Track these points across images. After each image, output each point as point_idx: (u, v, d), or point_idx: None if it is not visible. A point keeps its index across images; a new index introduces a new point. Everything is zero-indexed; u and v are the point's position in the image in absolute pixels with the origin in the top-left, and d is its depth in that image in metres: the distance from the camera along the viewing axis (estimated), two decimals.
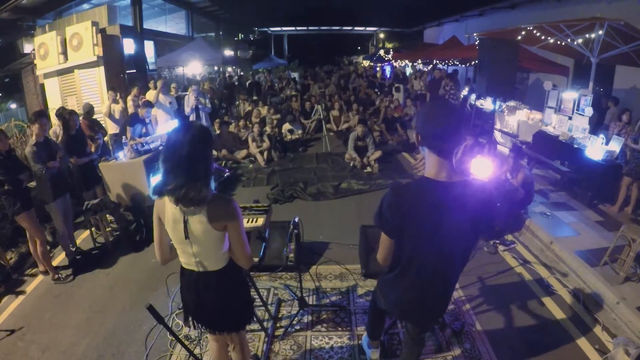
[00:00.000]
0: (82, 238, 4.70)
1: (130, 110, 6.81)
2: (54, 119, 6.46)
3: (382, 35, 30.02)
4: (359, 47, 34.08)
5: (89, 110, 6.18)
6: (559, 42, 6.79)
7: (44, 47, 8.07)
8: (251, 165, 7.33)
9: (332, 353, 2.77)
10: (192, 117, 8.36)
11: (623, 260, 3.42)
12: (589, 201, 5.05)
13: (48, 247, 3.99)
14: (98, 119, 6.53)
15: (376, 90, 13.50)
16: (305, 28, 29.87)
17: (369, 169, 6.82)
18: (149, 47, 12.01)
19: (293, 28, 29.83)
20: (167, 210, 1.70)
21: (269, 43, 29.42)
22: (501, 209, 4.38)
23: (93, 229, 4.48)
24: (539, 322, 3.10)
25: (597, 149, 5.19)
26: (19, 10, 9.14)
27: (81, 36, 7.79)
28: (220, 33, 19.55)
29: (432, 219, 1.55)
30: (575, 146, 5.60)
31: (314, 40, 32.06)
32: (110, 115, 6.64)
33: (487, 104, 8.60)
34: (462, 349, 2.78)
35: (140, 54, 10.08)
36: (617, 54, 6.01)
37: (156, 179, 1.68)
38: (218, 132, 7.90)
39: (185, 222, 1.68)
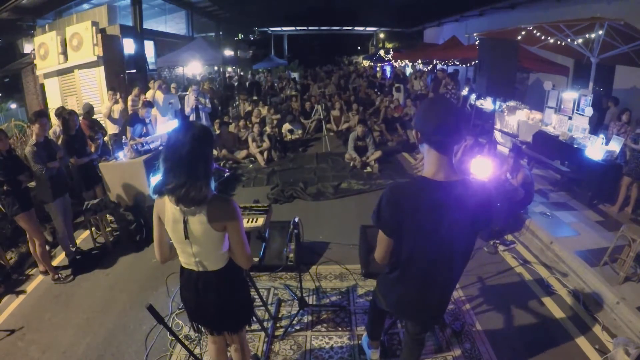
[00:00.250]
0: (82, 238, 4.70)
1: (131, 110, 6.82)
2: (54, 119, 6.46)
3: (382, 35, 30.01)
4: (359, 47, 34.08)
5: (89, 110, 6.19)
6: (559, 42, 6.79)
7: (44, 47, 8.07)
8: (251, 165, 7.33)
9: (332, 353, 2.77)
10: (192, 117, 8.36)
11: (623, 260, 3.42)
12: (589, 201, 5.05)
13: (48, 247, 3.99)
14: (98, 119, 6.53)
15: (376, 90, 13.50)
16: (305, 28, 29.86)
17: (369, 169, 6.82)
18: (149, 47, 12.00)
19: (293, 28, 29.82)
20: (167, 210, 1.70)
21: (269, 43, 29.41)
22: (501, 209, 4.38)
23: (93, 229, 4.48)
24: (539, 322, 3.10)
25: (597, 149, 5.19)
26: (19, 10, 9.14)
27: (81, 36, 7.79)
28: (220, 33, 19.54)
29: (431, 219, 1.54)
30: (575, 146, 5.60)
31: (314, 40, 32.05)
32: (110, 116, 6.64)
33: (487, 104, 8.60)
34: (462, 349, 2.78)
35: (140, 54, 10.08)
36: (617, 54, 6.01)
37: (156, 178, 1.68)
38: (218, 132, 7.90)
39: (185, 222, 1.68)
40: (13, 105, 11.81)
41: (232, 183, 6.42)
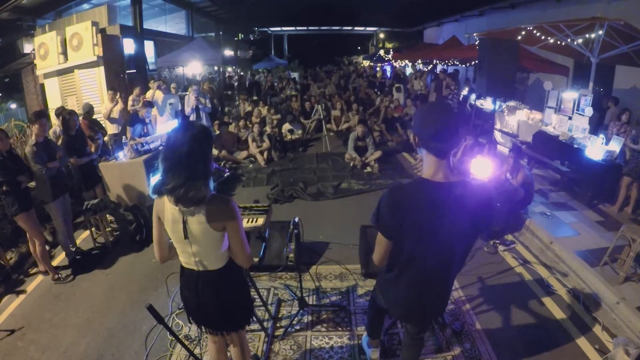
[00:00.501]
0: (82, 238, 4.70)
1: (132, 110, 6.81)
2: (54, 119, 6.46)
3: (382, 35, 30.01)
4: (359, 47, 34.09)
5: (89, 110, 6.19)
6: (559, 42, 6.79)
7: (44, 47, 8.07)
8: (251, 165, 7.33)
9: (332, 353, 2.77)
10: (192, 117, 8.36)
11: (623, 260, 3.42)
12: (589, 201, 5.05)
13: (48, 247, 3.99)
14: (98, 119, 6.53)
15: (376, 90, 13.50)
16: (305, 28, 29.87)
17: (369, 169, 6.82)
18: (149, 47, 12.00)
19: (293, 28, 29.83)
20: (167, 210, 1.70)
21: (269, 43, 29.43)
22: (501, 209, 4.38)
23: (93, 229, 4.48)
24: (539, 322, 3.10)
25: (597, 149, 5.19)
26: (19, 10, 9.14)
27: (81, 36, 7.79)
28: (220, 33, 19.54)
29: (431, 220, 1.54)
30: (575, 146, 5.60)
31: (314, 40, 32.05)
32: (110, 117, 6.64)
33: (487, 104, 8.60)
34: (462, 349, 2.78)
35: (140, 54, 10.07)
36: (617, 54, 6.01)
37: (156, 178, 1.68)
38: (217, 132, 7.90)
39: (185, 222, 1.68)
40: (13, 105, 11.81)
41: (232, 183, 6.43)
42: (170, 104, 7.57)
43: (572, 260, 3.75)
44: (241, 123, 8.54)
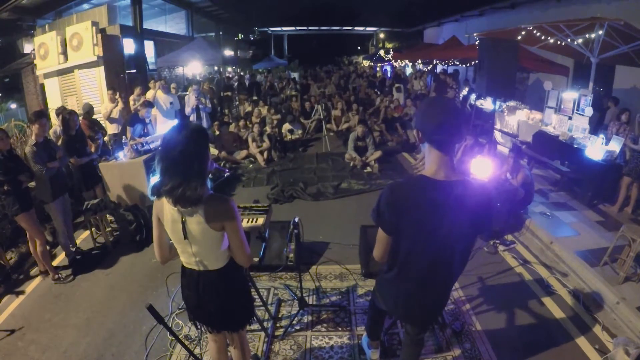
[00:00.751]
0: (82, 238, 4.70)
1: (133, 109, 6.81)
2: (54, 119, 6.46)
3: (382, 35, 30.03)
4: (359, 47, 34.11)
5: (89, 110, 6.19)
6: (559, 42, 6.79)
7: (44, 47, 8.07)
8: (251, 166, 7.33)
9: (332, 353, 2.77)
10: (192, 117, 8.36)
11: (623, 260, 3.42)
12: (589, 201, 5.05)
13: (48, 247, 3.98)
14: (98, 119, 6.53)
15: (376, 90, 13.51)
16: (305, 28, 29.89)
17: (369, 169, 6.82)
18: (149, 47, 12.00)
19: (293, 28, 29.85)
20: (166, 211, 1.71)
21: (269, 43, 29.44)
22: (501, 209, 4.38)
23: (93, 229, 4.48)
24: (539, 322, 3.10)
25: (597, 149, 5.19)
26: (19, 10, 9.15)
27: (81, 36, 7.79)
28: (220, 33, 19.55)
29: (431, 218, 1.54)
30: (575, 146, 5.60)
31: (314, 40, 32.07)
32: (109, 117, 6.64)
33: (487, 104, 8.60)
34: (462, 349, 2.78)
35: (140, 54, 10.07)
36: (617, 54, 6.01)
37: (155, 179, 1.68)
38: (217, 133, 7.90)
39: (184, 223, 1.68)
40: (13, 105, 11.81)
41: (232, 183, 6.43)
42: (170, 103, 7.58)
43: (572, 260, 3.75)
44: (241, 123, 8.54)
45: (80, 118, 5.47)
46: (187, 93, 8.83)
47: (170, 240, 1.82)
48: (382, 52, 24.45)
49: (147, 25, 11.06)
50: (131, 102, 7.22)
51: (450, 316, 3.11)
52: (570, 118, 6.33)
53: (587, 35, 6.13)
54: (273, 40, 29.98)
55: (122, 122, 6.72)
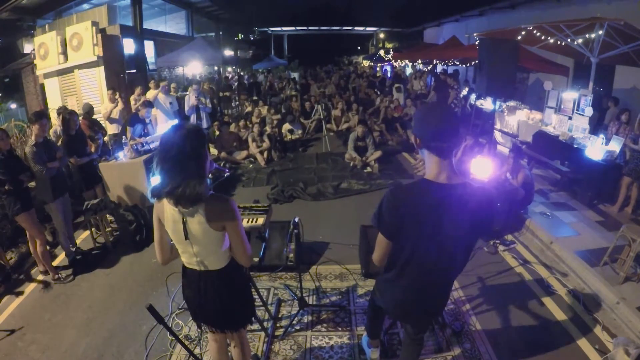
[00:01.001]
0: (82, 238, 4.70)
1: (134, 109, 6.81)
2: (54, 119, 6.46)
3: (382, 35, 30.04)
4: (359, 47, 34.13)
5: (89, 110, 6.19)
6: (559, 42, 6.78)
7: (44, 47, 8.07)
8: (251, 166, 7.33)
9: (332, 353, 2.77)
10: (192, 117, 8.36)
11: (623, 260, 3.42)
12: (589, 201, 5.05)
13: (48, 247, 3.98)
14: (98, 119, 6.53)
15: (376, 90, 13.51)
16: (305, 28, 29.91)
17: (369, 169, 6.82)
18: (149, 47, 12.00)
19: (293, 28, 29.87)
20: (166, 212, 1.71)
21: (269, 43, 29.45)
22: (501, 209, 4.38)
23: (93, 229, 4.48)
24: (539, 322, 3.10)
25: (597, 149, 5.19)
26: (19, 10, 9.15)
27: (81, 36, 7.79)
28: (220, 33, 19.54)
29: (432, 221, 1.54)
30: (575, 146, 5.60)
31: (314, 40, 32.08)
32: (109, 117, 6.64)
33: (487, 104, 8.60)
34: (462, 349, 2.78)
35: (140, 54, 10.08)
36: (617, 54, 6.01)
37: (156, 179, 1.68)
38: (218, 133, 7.89)
39: (184, 223, 1.68)
40: (13, 105, 11.81)
41: (232, 183, 6.42)
42: (169, 103, 7.58)
43: (572, 260, 3.75)
44: (241, 123, 8.54)
45: (80, 118, 5.47)
46: (187, 93, 8.82)
47: (171, 241, 1.82)
48: (382, 52, 24.44)
49: (147, 25, 11.06)
50: (132, 102, 7.22)
51: (450, 316, 3.11)
52: (570, 118, 6.33)
53: (587, 35, 6.13)
54: (273, 40, 29.98)
55: (122, 122, 6.72)
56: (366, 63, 24.78)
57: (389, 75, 18.07)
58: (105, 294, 3.58)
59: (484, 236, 4.31)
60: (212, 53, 11.84)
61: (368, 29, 30.12)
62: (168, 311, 3.23)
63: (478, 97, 8.98)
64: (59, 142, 4.75)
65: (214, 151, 7.45)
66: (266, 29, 28.82)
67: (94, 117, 6.35)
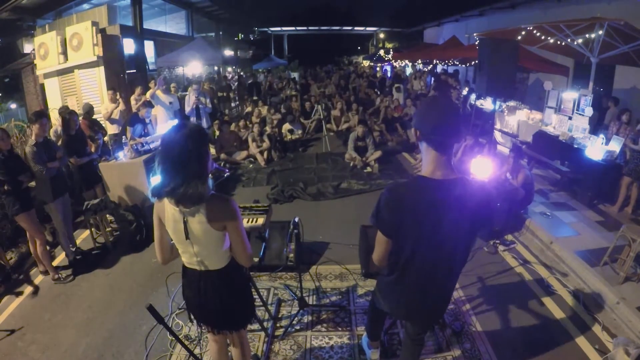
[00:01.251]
0: (82, 238, 4.70)
1: (133, 109, 6.81)
2: (54, 119, 6.46)
3: (382, 35, 30.05)
4: (359, 47, 34.14)
5: (89, 110, 6.19)
6: (559, 42, 6.79)
7: (44, 47, 8.07)
8: (251, 166, 7.33)
9: (332, 353, 2.77)
10: (192, 117, 8.36)
11: (623, 260, 3.42)
12: (589, 201, 5.05)
13: (48, 247, 3.98)
14: (98, 119, 6.53)
15: (376, 90, 13.51)
16: (305, 28, 29.92)
17: (369, 169, 6.82)
18: (149, 47, 12.00)
19: (293, 28, 29.88)
20: (167, 211, 1.71)
21: (269, 43, 29.45)
22: (501, 209, 4.38)
23: (93, 229, 4.48)
24: (539, 322, 3.10)
25: (597, 149, 5.19)
26: (19, 10, 9.14)
27: (81, 36, 7.79)
28: (220, 33, 19.53)
29: (430, 218, 1.54)
30: (575, 146, 5.60)
31: (314, 40, 32.08)
32: (110, 118, 6.63)
33: (487, 104, 8.60)
34: (462, 349, 2.78)
35: (140, 54, 10.08)
36: (617, 54, 6.01)
37: (156, 179, 1.68)
38: (217, 133, 7.89)
39: (185, 223, 1.68)
40: (13, 105, 11.82)
41: (232, 183, 6.43)
42: (170, 103, 7.58)
43: (572, 260, 3.75)
44: (241, 123, 8.54)
45: (80, 118, 5.46)
46: (187, 93, 8.82)
47: (172, 240, 1.82)
48: (382, 52, 24.45)
49: (147, 25, 11.06)
50: (132, 102, 7.22)
51: (450, 316, 3.11)
52: (570, 118, 6.33)
53: (587, 35, 6.13)
54: (273, 40, 29.99)
55: (122, 123, 6.72)
56: (366, 63, 24.78)
57: (389, 75, 18.07)
58: (105, 294, 3.58)
59: (484, 235, 4.31)
60: (212, 53, 11.83)
61: (368, 29, 30.13)
62: (168, 311, 3.23)
63: (478, 97, 8.98)
64: (59, 142, 4.75)
65: (213, 151, 7.45)
66: (266, 29, 28.82)
67: (94, 117, 6.34)
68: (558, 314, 3.19)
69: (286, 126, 8.69)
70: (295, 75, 18.99)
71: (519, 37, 6.88)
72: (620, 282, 3.32)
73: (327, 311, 3.20)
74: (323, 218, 5.01)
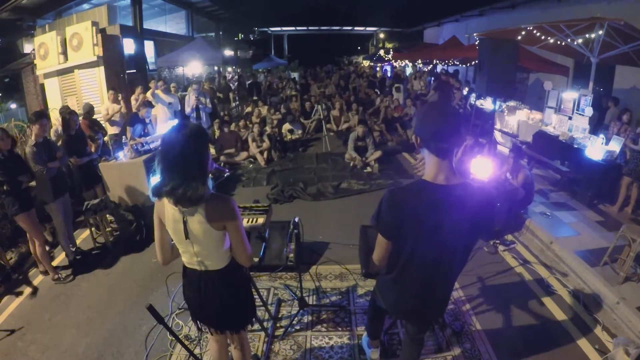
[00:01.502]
0: (82, 238, 4.70)
1: (133, 109, 6.81)
2: (54, 119, 6.46)
3: (382, 35, 30.04)
4: (359, 47, 34.13)
5: (89, 110, 6.19)
6: (559, 42, 6.78)
7: (44, 47, 8.07)
8: (251, 166, 7.33)
9: (332, 353, 2.77)
10: (192, 117, 8.36)
11: (623, 260, 3.42)
12: (589, 201, 5.05)
13: (48, 247, 3.99)
14: (98, 119, 6.53)
15: (376, 90, 13.50)
16: (305, 28, 29.91)
17: (369, 169, 6.82)
18: (149, 47, 12.00)
19: (293, 28, 29.87)
20: (167, 211, 1.71)
21: (269, 43, 29.45)
22: (501, 209, 4.38)
23: (93, 229, 4.48)
24: (539, 322, 3.10)
25: (597, 149, 5.19)
26: (19, 10, 9.14)
27: (81, 36, 7.79)
28: (220, 33, 19.53)
29: (431, 221, 1.54)
30: (575, 146, 5.60)
31: (314, 40, 32.08)
32: (110, 120, 6.64)
33: (487, 104, 8.60)
34: (462, 349, 2.78)
35: (140, 54, 10.08)
36: (617, 53, 6.01)
37: (156, 179, 1.68)
38: (218, 133, 7.88)
39: (185, 223, 1.68)
40: (13, 105, 11.82)
41: (232, 183, 6.43)
42: (169, 103, 7.58)
43: (572, 260, 3.75)
44: (241, 123, 8.53)
45: (80, 118, 5.47)
46: (187, 93, 8.82)
47: (172, 240, 1.82)
48: (382, 52, 24.45)
49: (147, 25, 11.06)
50: (133, 102, 7.22)
51: (450, 316, 3.11)
52: (570, 118, 6.33)
53: (587, 35, 6.13)
54: (273, 40, 29.98)
55: (122, 123, 6.72)
56: (366, 63, 24.79)
57: (389, 75, 18.07)
58: (105, 294, 3.58)
59: (484, 236, 4.31)
60: (212, 53, 11.83)
61: (368, 29, 30.12)
62: (168, 311, 3.23)
63: (478, 97, 8.98)
64: (59, 142, 4.75)
65: (213, 151, 7.44)
66: (266, 29, 28.82)
67: (94, 117, 6.34)
68: (558, 314, 3.19)
69: (286, 126, 8.69)
70: (295, 75, 18.99)
71: (519, 37, 6.88)
72: (620, 282, 3.32)
73: (327, 311, 3.20)
74: (323, 218, 5.01)
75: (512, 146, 5.47)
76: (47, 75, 8.33)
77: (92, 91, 8.08)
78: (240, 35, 26.77)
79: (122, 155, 5.07)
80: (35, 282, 3.83)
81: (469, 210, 1.53)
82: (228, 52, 17.98)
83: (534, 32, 6.81)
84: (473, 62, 11.63)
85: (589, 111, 5.98)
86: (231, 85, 14.03)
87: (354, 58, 31.50)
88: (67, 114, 4.60)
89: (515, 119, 7.80)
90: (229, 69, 18.18)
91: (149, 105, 6.34)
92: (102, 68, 7.92)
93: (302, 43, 31.43)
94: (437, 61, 14.78)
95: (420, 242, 1.60)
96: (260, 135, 7.59)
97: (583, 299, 3.34)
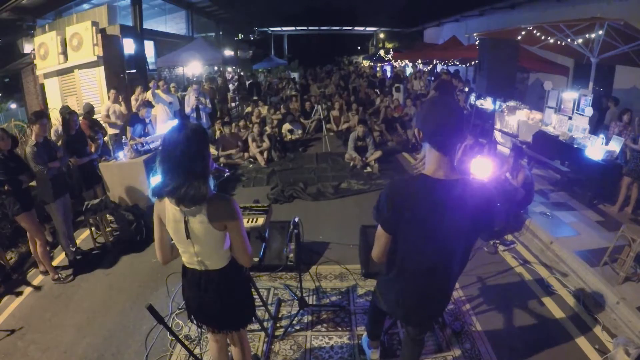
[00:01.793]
0: (82, 238, 4.69)
1: (133, 109, 6.81)
2: (54, 119, 6.46)
3: (382, 35, 30.06)
4: (359, 47, 34.14)
5: (89, 110, 6.19)
6: (559, 42, 6.79)
7: (44, 47, 8.08)
8: (251, 166, 7.33)
9: (332, 353, 2.77)
10: (192, 117, 8.36)
11: (623, 260, 3.42)
12: (589, 201, 5.05)
13: (48, 247, 3.98)
14: (98, 119, 6.53)
15: (376, 90, 13.50)
16: (305, 28, 29.93)
17: (369, 169, 6.82)
18: (149, 47, 12.02)
19: (293, 28, 29.89)
20: (168, 211, 1.71)
21: (269, 43, 29.46)
22: (501, 208, 4.38)
23: (93, 229, 4.48)
24: (539, 322, 3.10)
25: (597, 149, 5.19)
26: (19, 10, 9.14)
27: (81, 36, 7.80)
28: (220, 33, 19.55)
29: (430, 217, 1.54)
30: (575, 146, 5.60)
31: (314, 40, 32.07)
32: (110, 122, 6.64)
33: (487, 104, 8.60)
34: (462, 349, 2.78)
35: (140, 54, 10.08)
36: (617, 54, 6.01)
37: (156, 179, 1.68)
38: (218, 133, 7.88)
39: (186, 222, 1.68)
40: (13, 105, 11.83)
41: (232, 183, 6.43)
42: (170, 103, 7.59)
43: (572, 260, 3.75)
44: (241, 123, 8.53)
45: (81, 118, 5.46)
46: (187, 93, 8.82)
47: (172, 240, 1.82)
48: (382, 52, 24.45)
49: (147, 25, 11.06)
50: (133, 102, 7.22)
51: (450, 316, 3.11)
52: (570, 118, 6.33)
53: (587, 35, 6.13)
54: (273, 40, 30.00)
55: (121, 127, 6.72)
56: (366, 63, 24.79)
57: (389, 75, 18.07)
58: (105, 294, 3.58)
59: (484, 236, 4.30)
60: (212, 53, 11.84)
61: (368, 29, 30.14)
62: (168, 311, 3.23)
63: (478, 97, 8.98)
64: (59, 142, 4.75)
65: (214, 152, 7.44)
66: (266, 29, 28.84)
67: (94, 117, 6.34)
68: (558, 314, 3.19)
69: (286, 126, 8.69)
70: (295, 75, 18.98)
71: (519, 37, 6.88)
72: (620, 282, 3.32)
73: (327, 311, 3.20)
74: (323, 218, 5.01)
75: (512, 146, 5.47)
76: (47, 75, 8.34)
77: (92, 91, 8.08)
78: (240, 35, 26.78)
79: (122, 155, 5.07)
80: (35, 282, 3.83)
81: (468, 208, 1.53)
82: (228, 52, 17.96)
83: (534, 32, 6.81)
84: (473, 62, 11.63)
85: (589, 111, 5.98)
86: (230, 85, 14.02)
87: (354, 58, 31.50)
88: (67, 114, 4.60)
89: (515, 119, 7.80)
90: (229, 69, 18.18)
91: (149, 105, 6.34)
92: (102, 68, 7.92)
93: (302, 43, 31.46)
94: (437, 61, 14.78)
95: (419, 238, 1.60)
96: (260, 136, 7.59)
97: (583, 299, 3.34)
